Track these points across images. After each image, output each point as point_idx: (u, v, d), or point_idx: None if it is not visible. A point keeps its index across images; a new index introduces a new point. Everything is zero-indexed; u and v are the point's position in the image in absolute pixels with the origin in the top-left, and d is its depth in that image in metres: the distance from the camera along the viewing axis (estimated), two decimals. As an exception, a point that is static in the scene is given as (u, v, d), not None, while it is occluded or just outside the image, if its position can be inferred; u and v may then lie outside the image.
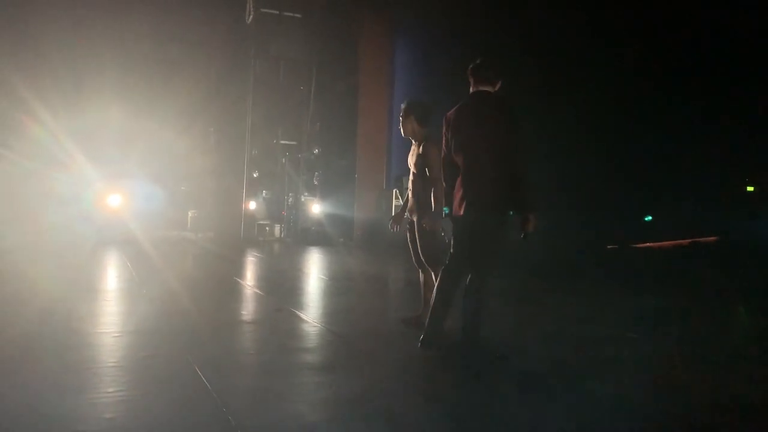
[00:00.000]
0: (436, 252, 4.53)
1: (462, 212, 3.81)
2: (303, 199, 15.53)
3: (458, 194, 3.86)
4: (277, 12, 15.17)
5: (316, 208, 15.30)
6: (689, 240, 12.26)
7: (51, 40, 11.09)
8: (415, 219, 4.73)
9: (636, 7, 10.61)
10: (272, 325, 5.22)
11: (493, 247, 3.83)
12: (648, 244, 12.76)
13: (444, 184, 4.03)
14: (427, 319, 4.02)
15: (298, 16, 15.56)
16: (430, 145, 4.58)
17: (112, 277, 7.88)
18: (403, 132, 4.82)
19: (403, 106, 4.78)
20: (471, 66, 3.96)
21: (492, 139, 3.77)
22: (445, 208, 4.08)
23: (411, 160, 4.81)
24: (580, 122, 11.49)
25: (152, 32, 10.53)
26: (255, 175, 15.12)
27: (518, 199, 3.73)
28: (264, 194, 15.67)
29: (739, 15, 9.76)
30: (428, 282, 4.69)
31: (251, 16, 7.28)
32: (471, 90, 3.98)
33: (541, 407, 3.10)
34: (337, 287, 7.25)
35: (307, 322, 5.23)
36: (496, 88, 3.94)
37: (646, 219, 12.51)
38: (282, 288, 7.15)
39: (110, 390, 3.26)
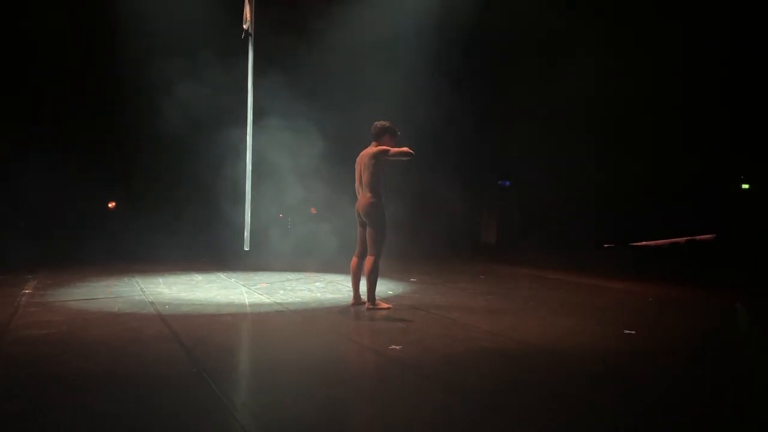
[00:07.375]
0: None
1: None
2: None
3: None
4: (264, 15, 15.00)
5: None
6: (685, 238, 12.21)
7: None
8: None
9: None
10: (270, 321, 5.10)
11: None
12: (644, 242, 12.73)
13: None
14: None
15: (285, 18, 15.40)
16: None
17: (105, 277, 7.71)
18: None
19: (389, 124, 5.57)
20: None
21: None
22: None
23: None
24: (577, 120, 11.46)
25: (139, 29, 10.21)
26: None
27: None
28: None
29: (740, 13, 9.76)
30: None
31: (248, 23, 6.90)
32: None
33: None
34: (334, 288, 7.10)
35: (307, 318, 5.14)
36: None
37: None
38: (278, 287, 7.00)
39: (117, 389, 3.14)
